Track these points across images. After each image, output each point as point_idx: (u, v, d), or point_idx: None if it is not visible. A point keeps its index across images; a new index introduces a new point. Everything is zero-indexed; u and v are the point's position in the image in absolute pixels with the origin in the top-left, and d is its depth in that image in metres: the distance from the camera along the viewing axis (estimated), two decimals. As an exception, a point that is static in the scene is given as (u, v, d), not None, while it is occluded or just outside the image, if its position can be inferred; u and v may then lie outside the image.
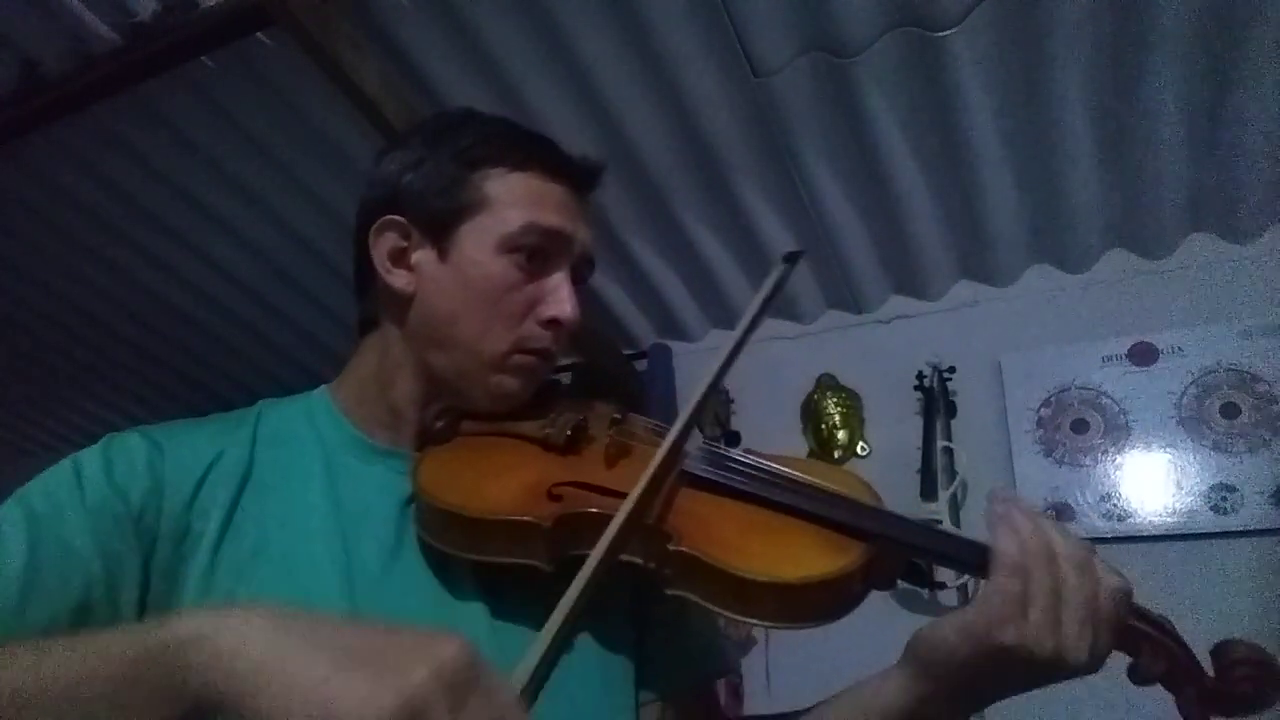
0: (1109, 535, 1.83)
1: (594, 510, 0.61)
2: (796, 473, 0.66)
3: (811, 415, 2.26)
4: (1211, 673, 0.58)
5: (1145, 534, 1.83)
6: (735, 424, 2.32)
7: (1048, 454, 1.98)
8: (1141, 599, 0.59)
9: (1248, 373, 1.84)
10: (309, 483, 0.68)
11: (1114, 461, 1.91)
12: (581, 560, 0.53)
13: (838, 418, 2.21)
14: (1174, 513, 1.82)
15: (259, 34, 1.68)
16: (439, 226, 0.72)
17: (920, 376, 2.15)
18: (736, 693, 2.05)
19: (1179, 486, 1.84)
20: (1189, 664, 0.58)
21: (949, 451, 2.07)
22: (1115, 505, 1.88)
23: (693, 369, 2.42)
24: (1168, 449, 1.87)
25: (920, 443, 2.08)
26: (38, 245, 2.40)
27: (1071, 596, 0.54)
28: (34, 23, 1.72)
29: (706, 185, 1.97)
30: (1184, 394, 1.88)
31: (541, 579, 0.58)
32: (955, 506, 2.01)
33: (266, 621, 0.40)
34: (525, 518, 0.61)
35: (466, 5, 1.62)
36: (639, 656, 0.72)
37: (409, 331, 0.73)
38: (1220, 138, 1.70)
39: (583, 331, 0.75)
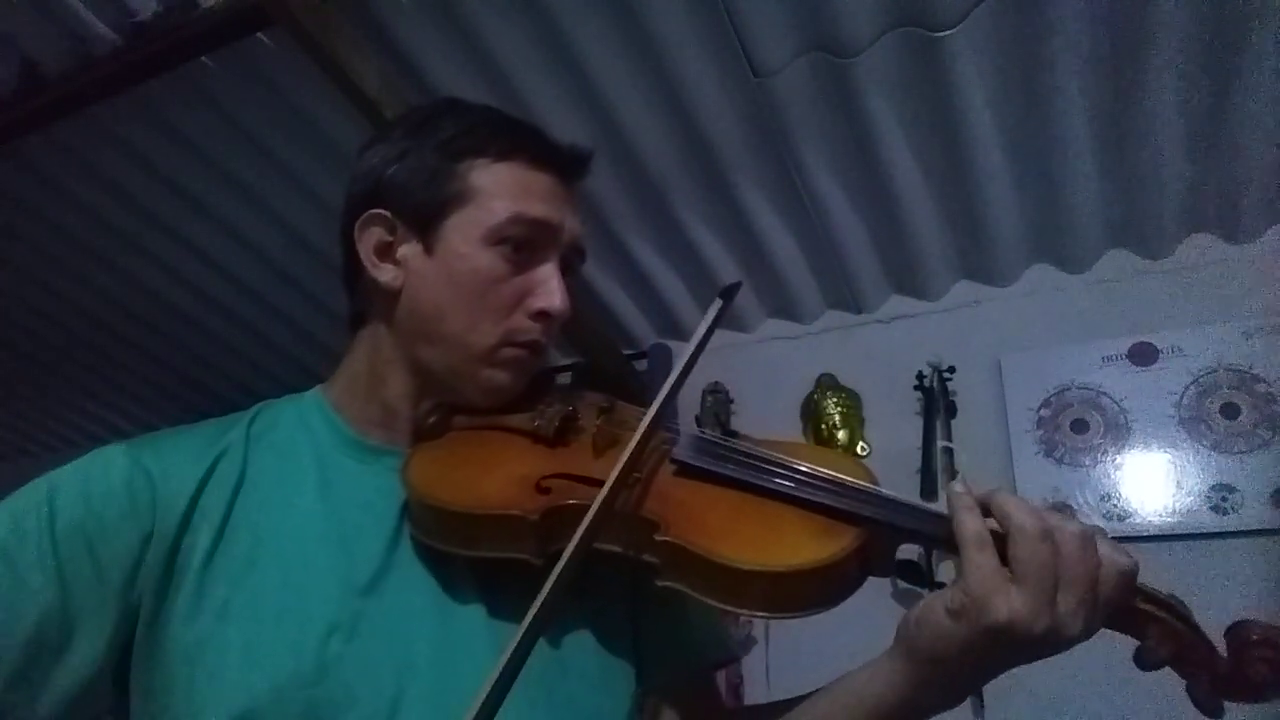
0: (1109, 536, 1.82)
1: (579, 502, 0.61)
2: (789, 458, 0.64)
3: (811, 415, 2.26)
4: (1225, 655, 0.55)
5: (1145, 534, 1.83)
6: (735, 424, 2.32)
7: (1048, 454, 1.97)
8: (1142, 598, 0.57)
9: (1248, 373, 1.84)
10: (303, 487, 0.67)
11: (1114, 461, 1.91)
12: None
13: (838, 418, 2.21)
14: (1174, 513, 1.82)
15: (259, 34, 1.68)
16: (424, 220, 0.71)
17: (920, 376, 2.15)
18: (736, 692, 2.05)
19: (1179, 486, 1.83)
20: (1201, 646, 0.55)
21: (949, 451, 2.07)
22: (1115, 505, 1.88)
23: (693, 369, 2.42)
24: (1168, 449, 1.87)
25: (920, 443, 2.08)
26: (38, 245, 2.40)
27: (1068, 572, 0.52)
28: (34, 23, 1.72)
29: (706, 185, 1.97)
30: (1184, 394, 1.88)
31: (534, 573, 0.58)
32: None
33: None
34: (513, 511, 0.61)
35: (466, 5, 1.62)
36: (638, 650, 0.72)
37: (398, 327, 0.72)
38: (1220, 138, 1.70)
39: (581, 330, 0.75)
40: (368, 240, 0.73)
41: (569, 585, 0.52)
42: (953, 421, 2.10)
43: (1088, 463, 1.93)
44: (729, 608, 0.58)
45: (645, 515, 0.60)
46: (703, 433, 0.68)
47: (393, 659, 0.60)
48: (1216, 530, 1.77)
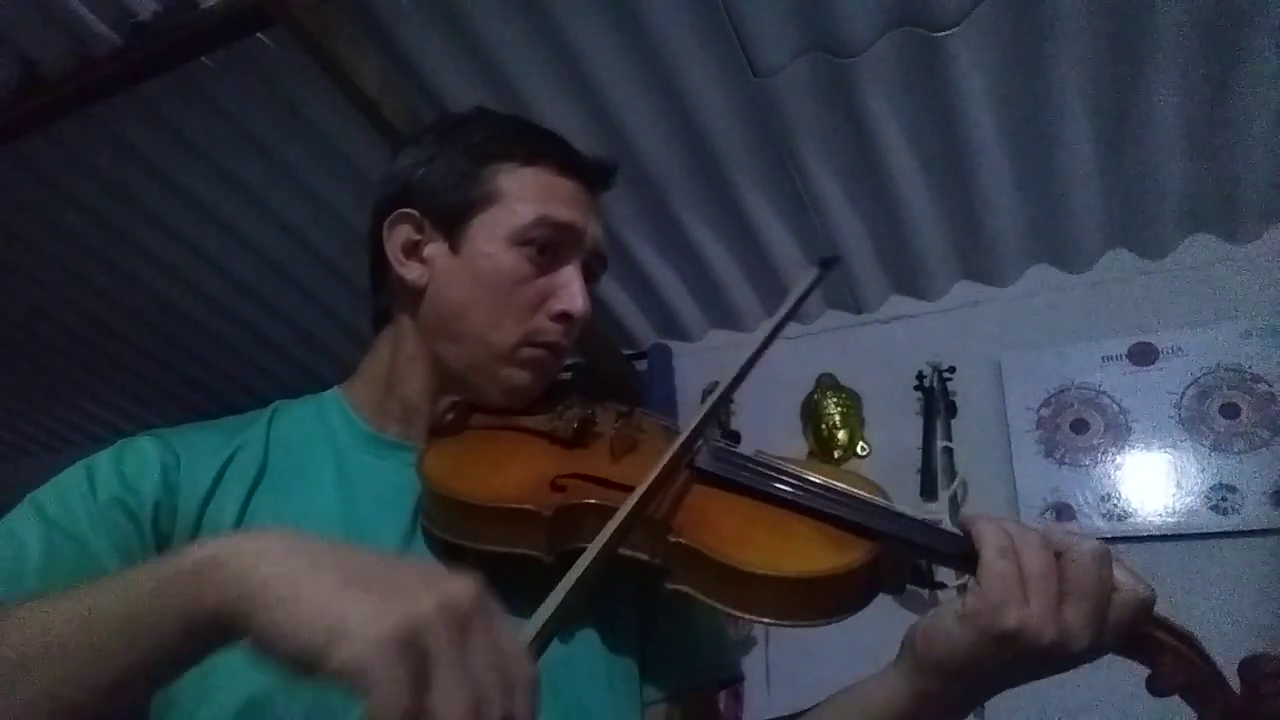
0: (1109, 535, 1.83)
1: (595, 502, 0.61)
2: (805, 471, 0.65)
3: (811, 415, 2.26)
4: (1238, 689, 0.55)
5: (1145, 534, 1.83)
6: (735, 424, 2.32)
7: (1048, 454, 1.97)
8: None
9: (1248, 373, 1.84)
10: (320, 482, 0.68)
11: (1114, 461, 1.91)
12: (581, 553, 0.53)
13: (838, 418, 2.21)
14: (1174, 513, 1.82)
15: (259, 34, 1.68)
16: (451, 220, 0.72)
17: (920, 376, 2.15)
18: (736, 694, 2.05)
19: (1179, 486, 1.83)
20: (1214, 679, 0.55)
21: (949, 451, 2.07)
22: (1115, 505, 1.88)
23: (693, 369, 2.42)
24: (1168, 449, 1.87)
25: (920, 443, 2.08)
26: (38, 245, 2.40)
27: (1078, 585, 0.52)
28: (34, 23, 1.72)
29: (706, 185, 1.97)
30: (1184, 394, 1.88)
31: (544, 571, 0.58)
32: (955, 506, 2.01)
33: (280, 543, 0.41)
34: (527, 506, 0.61)
35: (466, 5, 1.62)
36: (644, 656, 0.72)
37: (421, 324, 0.74)
38: (1220, 138, 1.70)
39: (581, 330, 0.75)
40: (396, 238, 0.74)
41: (589, 588, 0.52)
42: (953, 421, 2.10)
43: (1088, 463, 1.93)
44: (737, 613, 0.58)
45: (661, 518, 0.60)
46: (722, 443, 0.69)
47: None
48: (1216, 530, 1.77)
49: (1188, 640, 0.56)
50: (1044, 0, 1.49)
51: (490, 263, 0.71)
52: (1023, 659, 0.53)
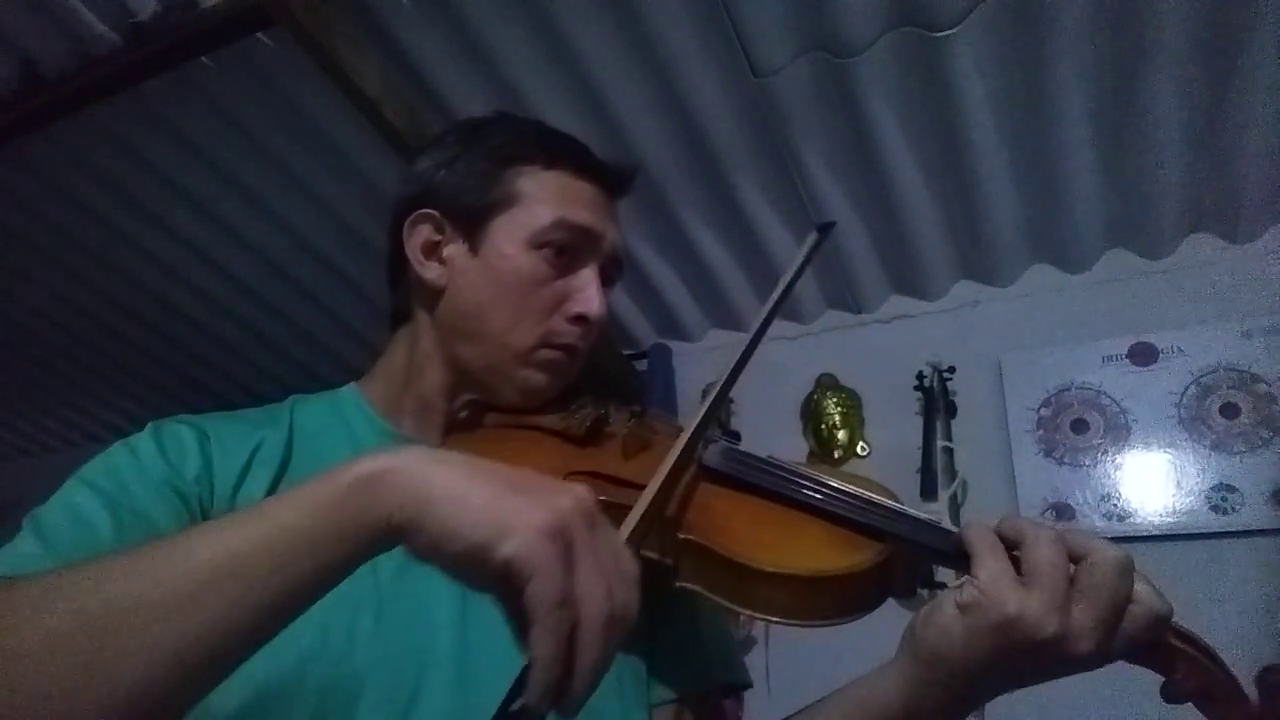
0: (1109, 535, 1.82)
1: (606, 499, 0.61)
2: (817, 473, 0.65)
3: (811, 415, 2.26)
4: (1257, 699, 0.54)
5: (1145, 534, 1.83)
6: (735, 424, 2.32)
7: (1048, 454, 1.98)
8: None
9: (1248, 373, 1.84)
10: None
11: (1114, 461, 1.91)
12: None
13: (838, 418, 2.21)
14: (1174, 513, 1.82)
15: (259, 34, 1.68)
16: (471, 221, 0.73)
17: (920, 376, 2.15)
18: (736, 694, 2.05)
19: (1179, 486, 1.83)
20: (1231, 689, 0.54)
21: (949, 451, 2.07)
22: (1115, 505, 1.88)
23: (693, 369, 2.42)
24: (1168, 449, 1.87)
25: (920, 443, 2.08)
26: (38, 245, 2.40)
27: (1095, 592, 0.51)
28: (34, 23, 1.72)
29: (706, 185, 1.97)
30: (1184, 394, 1.88)
31: None
32: (955, 506, 2.02)
33: (434, 456, 0.45)
34: None
35: (467, 5, 1.62)
36: (651, 657, 0.72)
37: (439, 323, 0.74)
38: (1220, 138, 1.70)
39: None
40: (416, 238, 0.74)
41: None
42: (953, 421, 2.10)
43: (1088, 463, 1.93)
44: (746, 610, 0.57)
45: (670, 515, 0.60)
46: (732, 444, 0.69)
47: (415, 646, 0.61)
48: (1216, 530, 1.77)
49: (1203, 648, 0.55)
50: (1044, 0, 1.49)
51: (509, 264, 0.71)
52: (1020, 652, 0.52)
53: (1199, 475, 1.82)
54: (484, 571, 0.41)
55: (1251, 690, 0.55)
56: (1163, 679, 0.55)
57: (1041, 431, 1.99)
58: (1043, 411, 2.00)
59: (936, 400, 2.11)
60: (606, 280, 0.77)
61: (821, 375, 2.29)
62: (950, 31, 1.53)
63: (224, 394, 3.07)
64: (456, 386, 0.75)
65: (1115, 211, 1.93)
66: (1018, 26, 1.53)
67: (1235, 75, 1.57)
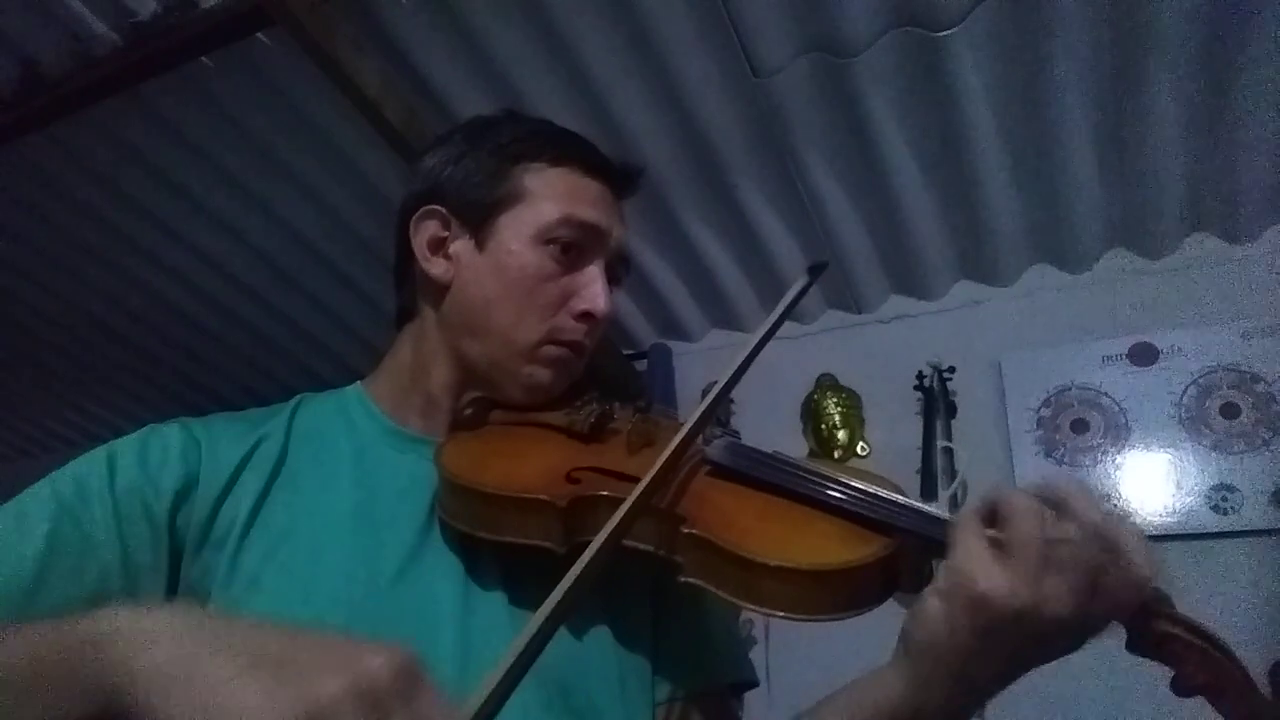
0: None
1: (608, 494, 0.61)
2: (821, 467, 0.64)
3: (811, 415, 2.26)
4: (1269, 693, 0.52)
5: (1145, 534, 1.83)
6: (735, 424, 2.32)
7: (1048, 454, 1.97)
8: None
9: (1248, 373, 1.84)
10: (339, 475, 0.69)
11: (1114, 461, 1.91)
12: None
13: (838, 418, 2.21)
14: (1174, 513, 1.82)
15: (259, 34, 1.68)
16: (478, 217, 0.73)
17: (920, 376, 2.15)
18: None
19: (1179, 486, 1.83)
20: (1242, 682, 0.52)
21: (949, 451, 2.07)
22: (1115, 505, 1.88)
23: (693, 369, 2.42)
24: (1168, 449, 1.87)
25: (920, 443, 2.08)
26: (38, 245, 2.40)
27: (1067, 559, 0.49)
28: (34, 23, 1.72)
29: (706, 185, 1.97)
30: (1184, 394, 1.88)
31: (557, 563, 0.58)
32: (955, 506, 2.01)
33: (181, 621, 0.39)
34: (541, 496, 0.62)
35: (466, 6, 1.62)
36: (656, 655, 0.71)
37: (445, 320, 0.75)
38: (1220, 138, 1.70)
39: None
40: (422, 234, 0.75)
41: (595, 578, 0.51)
42: (953, 421, 2.10)
43: (1088, 463, 1.93)
44: (749, 605, 0.57)
45: (674, 510, 0.60)
46: (737, 439, 0.69)
47: (416, 645, 0.61)
48: (1216, 530, 1.77)
49: (1214, 641, 0.53)
50: (1044, 0, 1.49)
51: (515, 260, 0.72)
52: (1000, 629, 0.50)
53: (1199, 475, 1.82)
54: None
55: (1264, 684, 0.53)
56: (1173, 673, 0.53)
57: (1041, 431, 1.99)
58: (1043, 411, 2.00)
59: (936, 400, 2.11)
60: (612, 278, 0.77)
61: (821, 375, 2.29)
62: (950, 31, 1.53)
63: (224, 394, 3.07)
64: (462, 383, 0.75)
65: (1115, 211, 1.93)
66: (1018, 26, 1.53)
67: (1235, 75, 1.57)
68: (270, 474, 0.67)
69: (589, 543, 0.53)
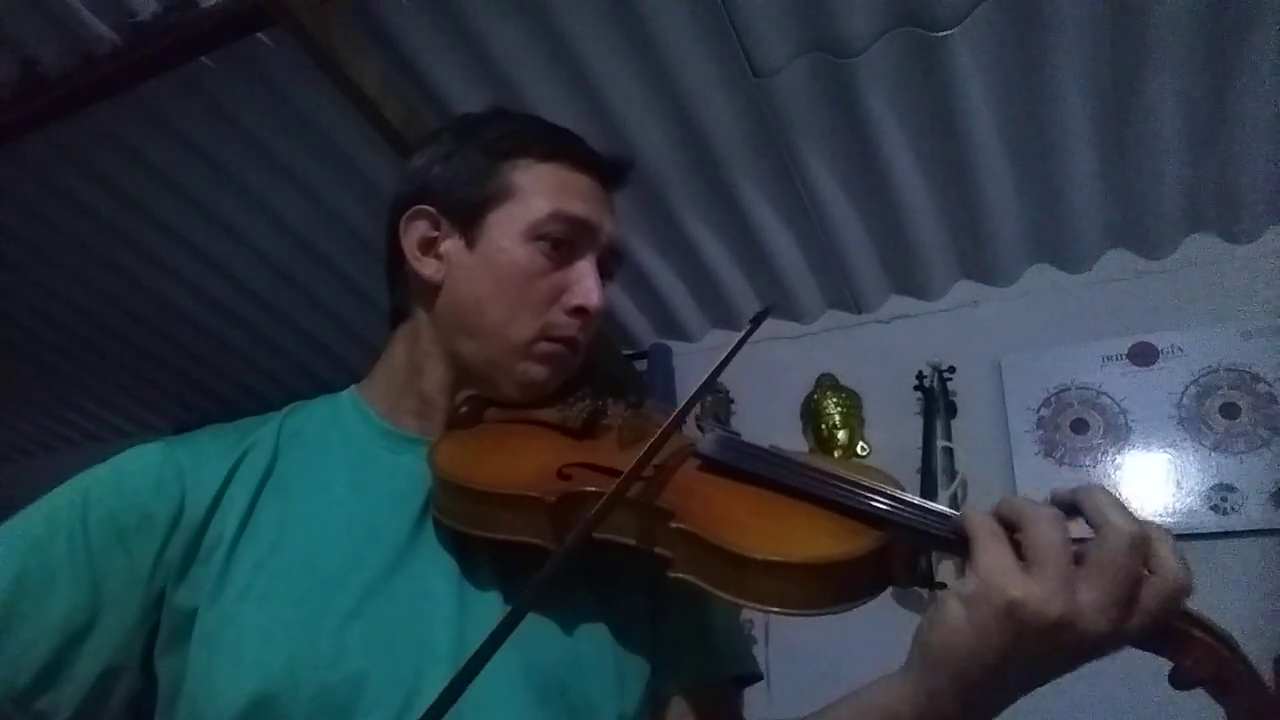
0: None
1: (596, 489, 0.61)
2: (815, 460, 0.63)
3: (811, 415, 2.26)
4: (1274, 686, 0.52)
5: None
6: (735, 424, 2.32)
7: (1048, 454, 1.97)
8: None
9: (1248, 373, 1.84)
10: (333, 479, 0.69)
11: (1114, 461, 1.91)
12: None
13: (838, 418, 2.21)
14: (1174, 513, 1.82)
15: (259, 34, 1.68)
16: (467, 215, 0.73)
17: (920, 376, 2.15)
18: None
19: (1179, 486, 1.83)
20: (1245, 673, 0.51)
21: (949, 451, 2.07)
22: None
23: (693, 369, 2.42)
24: (1168, 449, 1.87)
25: (920, 443, 2.08)
26: (37, 245, 2.40)
27: (1099, 562, 0.48)
28: (34, 23, 1.73)
29: (706, 185, 1.97)
30: (1184, 394, 1.88)
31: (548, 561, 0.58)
32: (955, 506, 2.01)
33: None
34: (530, 493, 0.61)
35: (466, 5, 1.62)
36: (657, 649, 0.71)
37: (438, 320, 0.74)
38: (1220, 138, 1.70)
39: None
40: (412, 235, 0.74)
41: (570, 568, 0.51)
42: (953, 421, 2.10)
43: (1088, 463, 1.93)
44: (739, 600, 0.56)
45: (662, 505, 0.59)
46: (729, 432, 0.69)
47: (412, 645, 0.61)
48: (1216, 530, 1.77)
49: (1217, 633, 0.52)
50: (1044, 0, 1.49)
51: (505, 257, 0.71)
52: (1030, 640, 0.48)
53: (1199, 475, 1.82)
54: None
55: (1269, 676, 0.52)
56: (1172, 665, 0.52)
57: (1041, 431, 1.99)
58: (1043, 411, 2.00)
59: (936, 400, 2.11)
60: (605, 272, 0.77)
61: (821, 375, 2.29)
62: (950, 31, 1.53)
63: (224, 394, 3.07)
64: (457, 382, 0.75)
65: (1115, 211, 1.93)
66: (1018, 26, 1.53)
67: (1235, 75, 1.58)
68: (258, 484, 0.66)
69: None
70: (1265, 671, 0.52)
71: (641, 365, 2.48)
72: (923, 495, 2.07)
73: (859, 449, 2.19)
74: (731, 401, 2.36)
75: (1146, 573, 0.49)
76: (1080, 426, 1.96)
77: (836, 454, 2.19)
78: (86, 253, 2.40)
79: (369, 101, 1.63)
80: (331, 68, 1.60)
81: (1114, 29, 1.53)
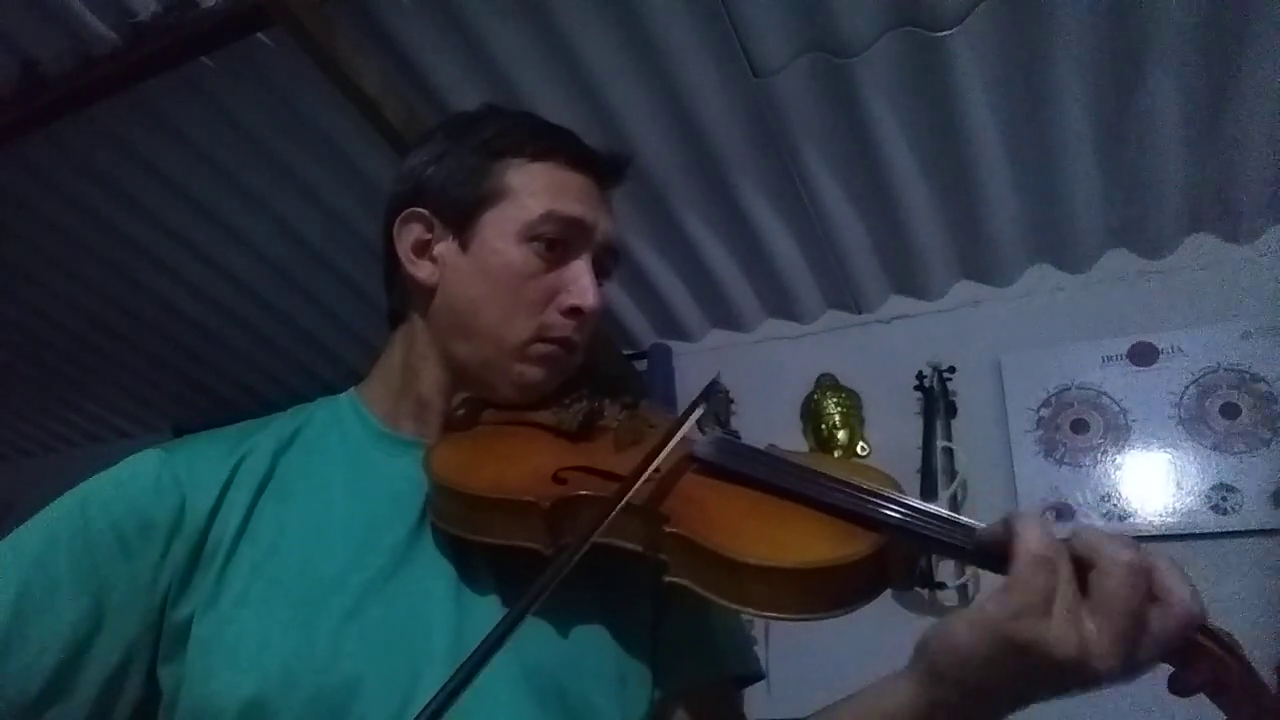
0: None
1: (590, 493, 0.61)
2: (813, 462, 0.63)
3: (811, 415, 2.26)
4: (1276, 689, 0.51)
5: (1145, 534, 1.82)
6: (735, 424, 2.32)
7: (1048, 454, 1.97)
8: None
9: (1248, 373, 1.84)
10: (331, 482, 0.69)
11: (1114, 461, 1.91)
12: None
13: (838, 418, 2.21)
14: (1174, 513, 1.82)
15: (259, 34, 1.68)
16: (461, 216, 0.72)
17: (920, 376, 2.15)
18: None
19: (1179, 486, 1.83)
20: (1248, 679, 0.50)
21: (949, 451, 2.07)
22: (1115, 505, 1.88)
23: (693, 369, 2.42)
24: (1168, 449, 1.87)
25: (920, 443, 2.08)
26: (38, 245, 2.40)
27: (1105, 602, 0.47)
28: (34, 23, 1.73)
29: (706, 185, 1.97)
30: (1184, 394, 1.88)
31: (545, 565, 0.57)
32: (955, 506, 2.01)
33: None
34: (526, 497, 0.61)
35: (466, 5, 1.62)
36: (658, 649, 0.71)
37: (433, 322, 0.74)
38: (1220, 138, 1.70)
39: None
40: (406, 238, 0.74)
41: (571, 574, 0.51)
42: (953, 421, 2.10)
43: (1088, 463, 1.93)
44: (735, 605, 0.56)
45: (658, 509, 0.59)
46: (726, 434, 0.68)
47: (409, 648, 0.61)
48: (1216, 530, 1.77)
49: (1219, 639, 0.51)
50: (1044, 0, 1.49)
51: (500, 259, 0.71)
52: (1041, 673, 0.48)
53: (1199, 475, 1.82)
54: None
55: (1271, 680, 0.51)
56: (1171, 671, 0.52)
57: (1041, 431, 1.99)
58: (1043, 412, 2.00)
59: (936, 400, 2.11)
60: (601, 271, 0.76)
61: (821, 375, 2.29)
62: (950, 31, 1.53)
63: (224, 394, 3.07)
64: (453, 384, 0.74)
65: (1115, 211, 1.93)
66: (1018, 26, 1.53)
67: (1235, 75, 1.57)
68: (257, 488, 0.66)
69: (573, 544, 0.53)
70: (1266, 674, 0.50)
71: (641, 365, 2.48)
72: (923, 496, 2.09)
73: (859, 449, 2.19)
74: (731, 401, 2.36)
75: (1154, 603, 0.49)
76: (1080, 426, 1.96)
77: (836, 454, 2.19)
78: (86, 253, 2.40)
79: (369, 101, 1.63)
80: (331, 68, 1.60)
81: (1114, 29, 1.53)
